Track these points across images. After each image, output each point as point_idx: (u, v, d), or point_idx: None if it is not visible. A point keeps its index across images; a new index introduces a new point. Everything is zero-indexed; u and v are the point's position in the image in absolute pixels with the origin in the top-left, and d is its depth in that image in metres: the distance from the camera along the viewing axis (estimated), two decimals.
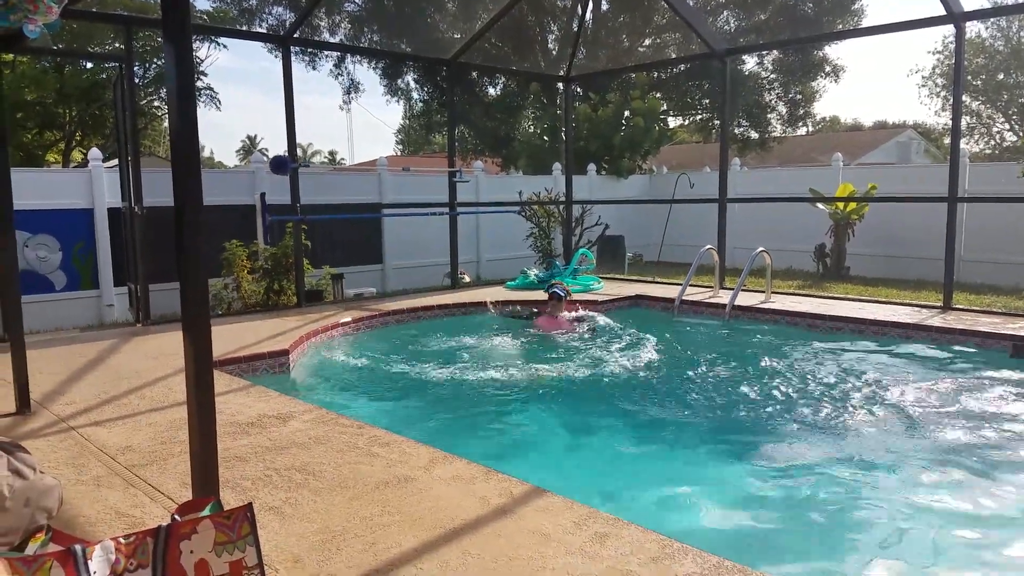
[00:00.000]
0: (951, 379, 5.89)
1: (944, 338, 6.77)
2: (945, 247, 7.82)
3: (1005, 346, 6.45)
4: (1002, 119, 28.17)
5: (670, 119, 25.32)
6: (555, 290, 7.91)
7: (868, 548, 3.26)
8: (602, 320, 8.08)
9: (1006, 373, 5.94)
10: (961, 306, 8.25)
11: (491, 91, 24.01)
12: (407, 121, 29.94)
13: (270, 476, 3.39)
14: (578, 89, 21.80)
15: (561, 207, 12.28)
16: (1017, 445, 4.47)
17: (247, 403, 4.60)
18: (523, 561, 2.58)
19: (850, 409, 5.21)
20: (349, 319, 7.61)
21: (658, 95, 22.61)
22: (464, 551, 2.66)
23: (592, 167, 18.30)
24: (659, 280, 11.42)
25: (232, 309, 8.98)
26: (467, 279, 10.65)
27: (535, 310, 8.24)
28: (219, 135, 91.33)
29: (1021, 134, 23.77)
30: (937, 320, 7.18)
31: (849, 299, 8.99)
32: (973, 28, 26.59)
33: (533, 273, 10.37)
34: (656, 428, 4.93)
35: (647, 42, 23.34)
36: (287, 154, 8.33)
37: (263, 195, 7.68)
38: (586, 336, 7.47)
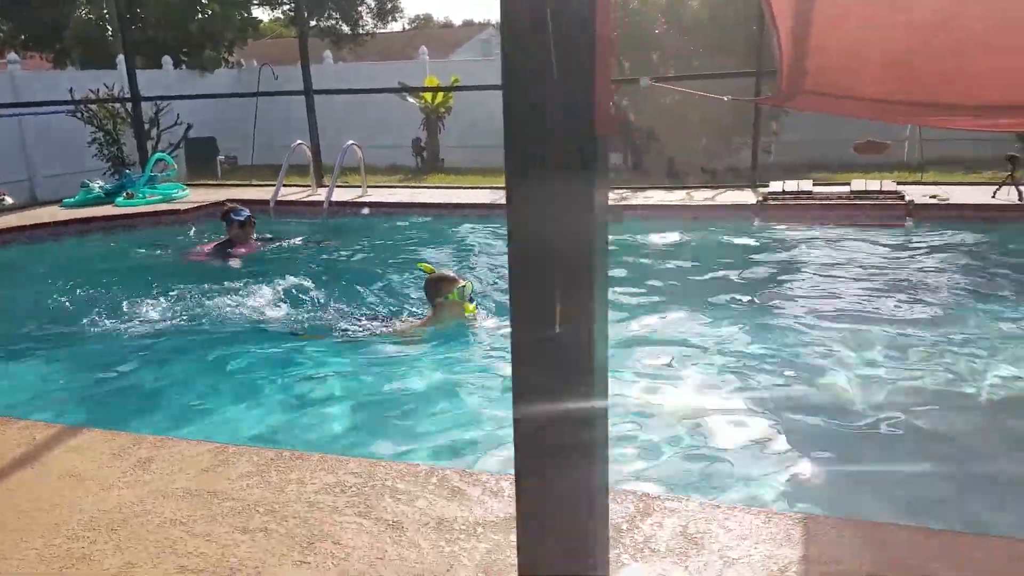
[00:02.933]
0: None
1: None
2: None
3: None
4: None
5: (256, 10, 23.53)
6: (242, 216, 6.23)
7: (421, 415, 3.37)
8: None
9: None
10: None
11: None
12: None
13: None
14: None
15: (128, 106, 10.66)
16: None
17: None
18: (42, 512, 2.18)
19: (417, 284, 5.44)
20: None
21: None
22: None
23: (168, 60, 16.20)
24: (255, 183, 10.82)
25: None
26: (9, 201, 8.73)
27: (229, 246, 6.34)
28: None
29: None
30: None
31: (440, 188, 9.57)
32: None
33: (97, 186, 8.91)
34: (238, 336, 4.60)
35: None
36: None
37: None
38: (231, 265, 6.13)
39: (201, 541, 2.01)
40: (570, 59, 0.78)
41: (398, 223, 7.84)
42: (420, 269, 4.56)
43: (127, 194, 8.54)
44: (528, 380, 0.87)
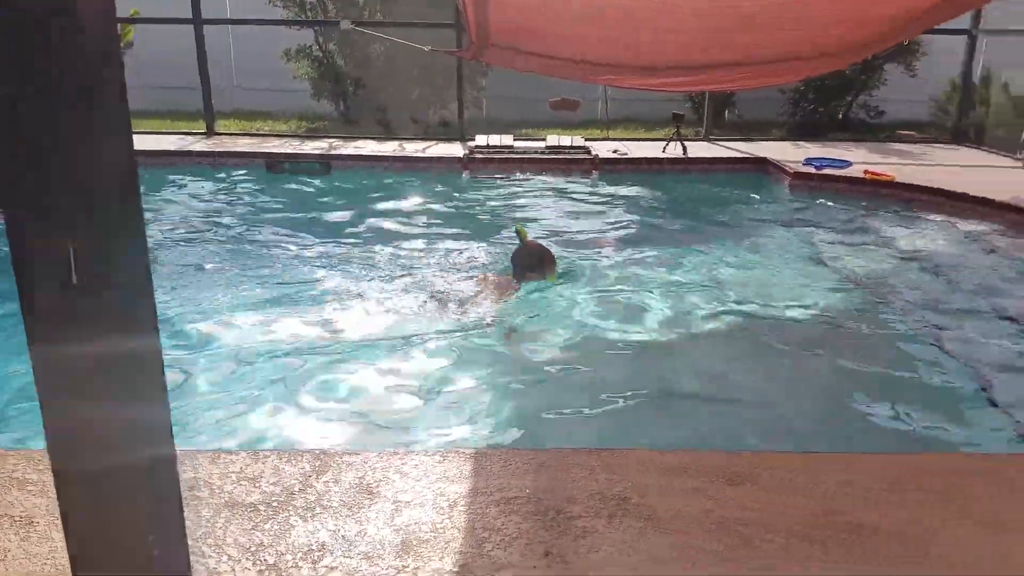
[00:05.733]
0: (216, 198, 6.21)
1: (206, 161, 7.04)
2: (200, 74, 7.88)
3: (260, 162, 7.09)
4: None
5: None
6: None
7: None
8: None
9: (263, 185, 6.71)
10: (232, 131, 8.66)
11: None
12: None
13: None
14: None
15: None
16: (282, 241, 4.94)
17: None
18: None
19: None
20: None
21: None
22: None
23: None
24: None
25: None
26: None
27: None
28: None
29: None
30: (200, 145, 7.36)
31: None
32: None
33: None
34: None
35: None
36: None
37: None
38: None
39: None
40: None
41: None
42: (516, 232, 4.12)
43: None
44: (48, 337, 0.74)
